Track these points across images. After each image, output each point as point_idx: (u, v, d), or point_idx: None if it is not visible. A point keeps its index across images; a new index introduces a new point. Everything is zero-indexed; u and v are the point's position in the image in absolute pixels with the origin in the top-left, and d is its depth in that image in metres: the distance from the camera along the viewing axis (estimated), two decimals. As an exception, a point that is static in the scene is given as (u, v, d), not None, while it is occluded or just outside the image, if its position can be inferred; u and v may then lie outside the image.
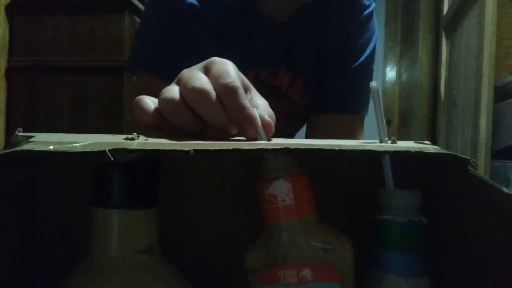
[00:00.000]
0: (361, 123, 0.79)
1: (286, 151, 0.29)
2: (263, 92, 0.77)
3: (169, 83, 0.69)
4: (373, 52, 0.77)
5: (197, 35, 0.67)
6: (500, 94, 1.41)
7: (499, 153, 1.38)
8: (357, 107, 0.78)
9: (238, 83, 0.34)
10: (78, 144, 0.25)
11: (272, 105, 0.78)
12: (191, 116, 0.35)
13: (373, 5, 0.77)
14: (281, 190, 0.33)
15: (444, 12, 2.12)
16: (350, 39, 0.74)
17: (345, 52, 0.75)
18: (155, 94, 0.68)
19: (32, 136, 0.28)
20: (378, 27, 0.79)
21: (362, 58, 0.75)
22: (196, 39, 0.67)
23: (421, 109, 2.26)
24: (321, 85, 0.76)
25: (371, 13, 0.76)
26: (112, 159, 0.23)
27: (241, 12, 0.68)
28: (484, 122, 1.42)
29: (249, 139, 0.35)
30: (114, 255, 0.31)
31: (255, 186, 0.35)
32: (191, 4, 0.65)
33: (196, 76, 0.35)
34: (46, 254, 0.39)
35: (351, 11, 0.74)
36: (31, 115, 1.65)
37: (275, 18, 0.69)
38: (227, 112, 0.34)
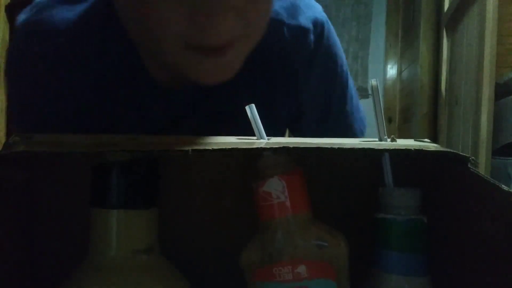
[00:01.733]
0: None
1: (285, 150, 0.29)
2: None
3: None
4: (339, 73, 0.58)
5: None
6: (501, 91, 1.41)
7: (500, 150, 1.38)
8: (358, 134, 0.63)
9: None
10: (75, 145, 0.25)
11: None
12: None
13: (321, 21, 0.54)
14: (276, 188, 0.33)
15: (445, 9, 2.11)
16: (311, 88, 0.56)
17: (308, 106, 0.57)
18: None
19: (30, 137, 0.28)
20: (335, 35, 0.57)
21: (336, 94, 0.59)
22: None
23: (422, 106, 2.25)
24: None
25: (320, 37, 0.54)
26: (109, 159, 0.23)
27: (134, 80, 0.49)
28: (485, 119, 1.41)
29: None
30: (114, 255, 0.31)
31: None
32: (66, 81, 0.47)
33: None
34: (46, 255, 0.39)
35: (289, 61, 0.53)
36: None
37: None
38: None
